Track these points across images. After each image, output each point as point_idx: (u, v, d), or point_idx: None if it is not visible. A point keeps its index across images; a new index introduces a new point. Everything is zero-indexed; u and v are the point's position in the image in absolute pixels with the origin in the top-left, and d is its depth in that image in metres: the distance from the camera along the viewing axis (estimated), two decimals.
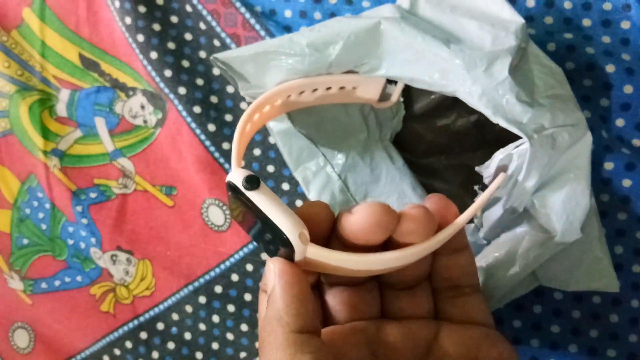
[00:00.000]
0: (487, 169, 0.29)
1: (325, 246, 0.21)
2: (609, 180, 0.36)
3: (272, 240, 0.21)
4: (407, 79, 0.29)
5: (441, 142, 0.38)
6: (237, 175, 0.22)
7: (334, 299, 0.23)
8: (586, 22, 0.36)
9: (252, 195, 0.21)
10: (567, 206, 0.28)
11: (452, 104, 0.37)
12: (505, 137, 0.29)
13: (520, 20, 0.30)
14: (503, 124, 0.27)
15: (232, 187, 0.22)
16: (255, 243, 0.43)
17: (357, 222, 0.20)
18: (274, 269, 0.21)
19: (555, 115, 0.28)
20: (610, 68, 0.36)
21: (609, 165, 0.36)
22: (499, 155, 0.28)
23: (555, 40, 0.36)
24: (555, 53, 0.36)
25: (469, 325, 0.23)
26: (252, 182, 0.21)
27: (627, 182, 0.35)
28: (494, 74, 0.27)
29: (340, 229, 0.21)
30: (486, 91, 0.27)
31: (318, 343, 0.20)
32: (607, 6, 0.36)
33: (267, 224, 0.20)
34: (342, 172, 0.37)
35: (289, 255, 0.21)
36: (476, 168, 0.30)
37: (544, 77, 0.30)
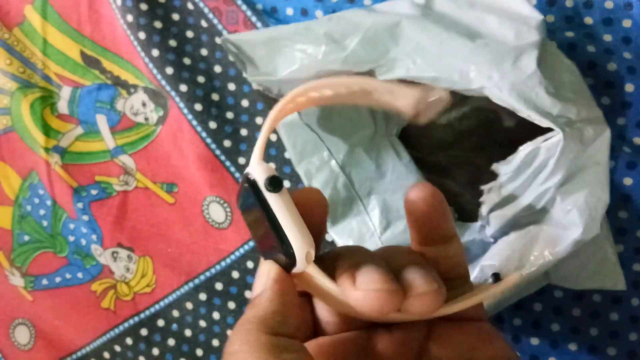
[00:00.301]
0: (508, 165, 0.29)
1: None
2: (610, 180, 0.36)
3: (274, 246, 0.20)
4: (429, 79, 0.29)
5: (447, 139, 0.38)
6: (259, 172, 0.20)
7: (323, 309, 0.22)
8: (588, 21, 0.36)
9: (271, 199, 0.20)
10: (589, 202, 0.28)
11: (459, 101, 0.36)
12: (516, 138, 0.28)
13: (539, 16, 0.29)
14: (535, 117, 0.27)
15: (250, 183, 0.20)
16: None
17: (359, 302, 0.19)
18: (270, 273, 0.20)
19: (580, 109, 0.28)
20: (611, 66, 0.36)
21: (610, 164, 0.36)
22: (526, 149, 0.28)
23: (556, 38, 0.36)
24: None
25: (462, 322, 0.22)
26: (275, 185, 0.20)
27: (628, 181, 0.35)
28: (522, 68, 0.27)
29: (343, 292, 0.20)
30: (515, 85, 0.27)
31: (301, 347, 0.19)
32: (609, 4, 0.36)
33: (277, 231, 0.20)
34: (347, 167, 0.36)
35: (286, 266, 0.20)
36: (494, 165, 0.29)
37: (565, 73, 0.29)
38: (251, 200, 0.20)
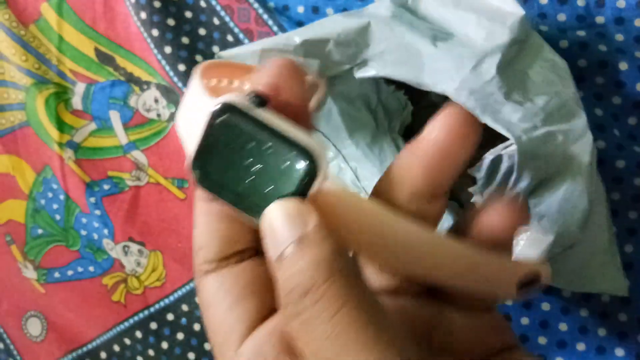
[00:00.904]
0: (478, 172, 0.29)
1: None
2: (620, 179, 0.35)
3: (275, 177, 0.17)
4: (399, 79, 0.29)
5: None
6: (235, 97, 0.17)
7: None
8: (599, 20, 0.36)
9: (263, 114, 0.16)
10: (563, 208, 0.27)
11: None
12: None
13: (519, 12, 0.29)
14: (490, 123, 0.26)
15: (225, 109, 0.17)
16: None
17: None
18: (300, 207, 0.16)
19: (550, 114, 0.27)
20: (623, 66, 0.35)
21: (620, 164, 0.35)
22: (489, 157, 0.28)
23: (567, 37, 0.36)
24: (568, 50, 0.36)
25: (472, 312, 0.20)
26: (261, 100, 0.17)
27: (638, 181, 0.35)
28: (482, 73, 0.27)
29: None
30: (474, 90, 0.27)
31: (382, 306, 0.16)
32: (621, 4, 0.36)
33: (276, 148, 0.16)
34: (352, 164, 0.37)
35: (305, 186, 0.16)
36: (468, 170, 0.29)
37: (544, 72, 0.29)
38: (231, 133, 0.17)
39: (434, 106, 0.38)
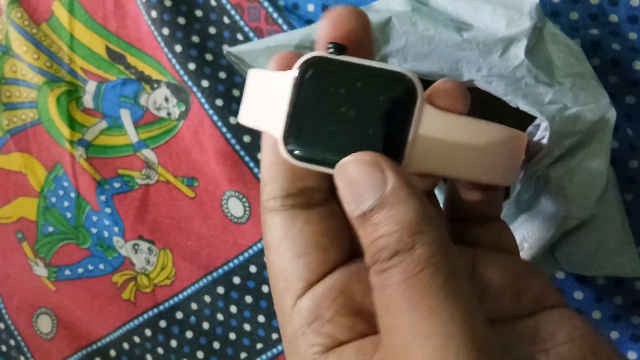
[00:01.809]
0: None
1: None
2: (634, 180, 0.35)
3: (375, 115, 0.17)
4: (422, 74, 0.29)
5: None
6: (315, 52, 0.17)
7: None
8: (613, 18, 0.36)
9: (345, 58, 0.17)
10: (583, 179, 0.28)
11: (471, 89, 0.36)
12: (527, 121, 0.28)
13: (534, 0, 0.29)
14: (524, 107, 0.27)
15: (310, 64, 0.17)
16: None
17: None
18: (378, 161, 0.16)
19: (577, 94, 0.28)
20: (636, 65, 0.35)
21: (633, 164, 0.35)
22: (534, 124, 0.28)
23: (580, 35, 0.36)
24: (581, 49, 0.36)
25: (505, 254, 0.20)
26: (340, 47, 0.17)
27: None
28: (511, 58, 0.27)
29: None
30: (504, 76, 0.27)
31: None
32: (635, 2, 0.35)
33: (371, 83, 0.16)
34: None
35: (405, 122, 0.17)
36: None
37: (563, 56, 0.29)
38: (322, 86, 0.17)
39: None
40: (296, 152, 0.17)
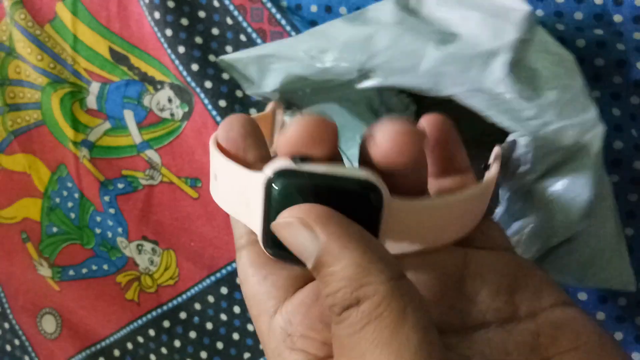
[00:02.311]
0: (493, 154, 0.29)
1: None
2: (638, 180, 0.35)
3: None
4: (405, 87, 0.29)
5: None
6: (281, 162, 0.18)
7: None
8: (617, 18, 0.36)
9: (312, 167, 0.17)
10: (565, 196, 0.27)
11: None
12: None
13: (525, 8, 0.28)
14: (505, 122, 0.26)
15: (278, 175, 0.18)
16: None
17: (380, 144, 0.17)
18: (317, 222, 0.16)
19: (562, 108, 0.27)
20: None
21: (637, 165, 0.35)
22: (508, 140, 0.28)
23: (584, 36, 0.36)
24: (585, 49, 0.36)
25: (498, 251, 0.20)
26: (304, 157, 0.18)
27: None
28: (493, 72, 0.27)
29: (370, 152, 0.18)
30: (485, 91, 0.27)
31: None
32: (639, 2, 0.35)
33: (339, 189, 0.17)
34: (354, 162, 0.36)
35: (375, 215, 0.17)
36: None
37: (551, 67, 0.28)
38: (292, 195, 0.18)
39: (439, 104, 0.38)
40: (276, 253, 0.18)
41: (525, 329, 0.17)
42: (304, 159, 0.18)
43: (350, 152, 0.37)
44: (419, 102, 0.38)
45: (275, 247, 0.18)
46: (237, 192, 0.19)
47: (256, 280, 0.18)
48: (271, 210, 0.18)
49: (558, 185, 0.27)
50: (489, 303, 0.18)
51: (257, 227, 0.18)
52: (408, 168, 0.18)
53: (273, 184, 0.18)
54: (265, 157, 0.20)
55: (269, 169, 0.18)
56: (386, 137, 0.17)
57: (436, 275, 0.18)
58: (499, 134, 0.38)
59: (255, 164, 0.20)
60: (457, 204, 0.19)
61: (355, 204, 0.17)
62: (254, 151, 0.20)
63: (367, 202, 0.17)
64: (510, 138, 0.28)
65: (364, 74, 0.30)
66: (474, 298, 0.18)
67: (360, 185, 0.17)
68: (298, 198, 0.17)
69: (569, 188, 0.27)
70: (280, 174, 0.18)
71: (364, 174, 0.17)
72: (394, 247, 0.18)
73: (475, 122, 0.38)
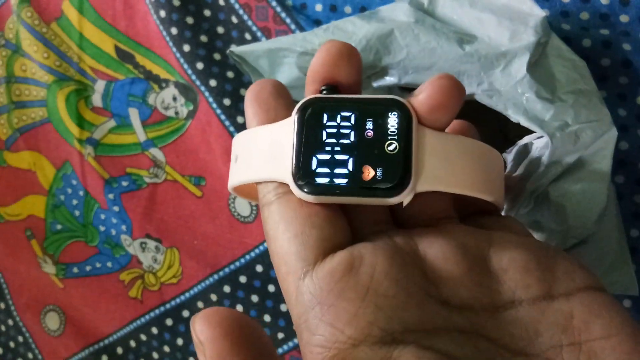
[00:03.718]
0: (509, 154, 0.29)
1: None
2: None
3: (376, 140, 0.18)
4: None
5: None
6: (309, 97, 0.19)
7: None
8: (624, 18, 0.35)
9: (339, 96, 0.19)
10: (582, 199, 0.27)
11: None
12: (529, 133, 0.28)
13: (540, 13, 0.29)
14: (524, 122, 0.27)
15: (308, 104, 0.18)
16: None
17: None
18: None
19: (579, 111, 0.27)
20: None
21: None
22: (521, 142, 0.28)
23: (590, 36, 0.36)
24: (591, 49, 0.36)
25: (521, 236, 0.19)
26: (332, 87, 0.19)
27: None
28: (512, 73, 0.27)
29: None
30: (505, 91, 0.27)
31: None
32: None
33: (368, 112, 0.18)
34: None
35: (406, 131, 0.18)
36: (503, 154, 0.29)
37: (566, 71, 0.29)
38: (321, 123, 0.18)
39: None
40: (307, 188, 0.18)
41: (559, 309, 0.17)
42: (332, 89, 0.19)
43: None
44: None
45: (309, 178, 0.18)
46: (266, 150, 0.19)
47: (286, 239, 0.17)
48: (304, 139, 0.18)
49: (575, 188, 0.27)
50: (518, 279, 0.17)
51: (288, 166, 0.18)
52: (446, 125, 0.19)
53: (305, 113, 0.18)
54: None
55: (299, 104, 0.19)
56: (437, 89, 0.18)
57: (461, 251, 0.18)
58: (503, 142, 0.38)
59: None
60: (481, 148, 0.19)
61: (385, 125, 0.18)
62: (284, 112, 0.20)
63: (397, 121, 0.18)
64: (527, 140, 0.28)
65: (380, 72, 0.30)
66: (502, 275, 0.17)
67: (389, 104, 0.18)
68: (329, 123, 0.18)
69: (586, 191, 0.27)
70: (310, 104, 0.18)
71: (391, 96, 0.18)
72: (426, 180, 0.18)
73: (483, 127, 0.37)
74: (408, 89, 0.32)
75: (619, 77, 0.35)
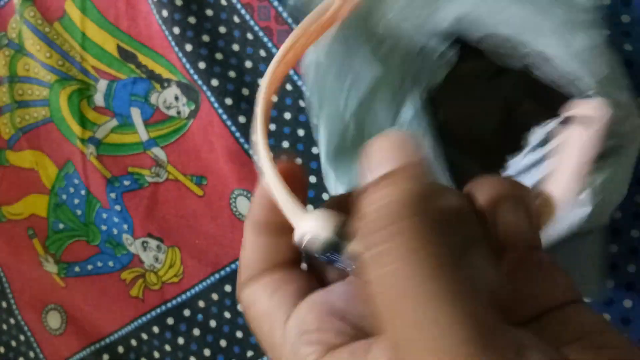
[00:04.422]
0: (533, 134, 0.29)
1: None
2: None
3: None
4: (487, 29, 0.28)
5: (473, 114, 0.37)
6: (319, 224, 0.17)
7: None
8: (625, 18, 0.35)
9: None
10: (608, 186, 0.27)
11: (501, 71, 0.35)
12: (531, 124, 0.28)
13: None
14: (599, 87, 0.26)
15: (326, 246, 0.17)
16: None
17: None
18: (400, 141, 0.15)
19: (626, 100, 0.27)
20: None
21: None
22: (551, 124, 0.28)
23: (632, 39, 0.36)
24: None
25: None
26: (343, 231, 0.17)
27: None
28: (590, 38, 0.26)
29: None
30: (578, 56, 0.26)
31: None
32: None
33: None
34: (363, 120, 0.33)
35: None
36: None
37: (618, 68, 0.29)
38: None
39: (472, 75, 0.36)
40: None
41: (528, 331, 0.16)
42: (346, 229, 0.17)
43: (352, 108, 0.35)
44: (431, 100, 0.36)
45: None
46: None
47: (265, 298, 0.18)
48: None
49: (603, 174, 0.27)
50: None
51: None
52: None
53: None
54: None
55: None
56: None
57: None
58: (507, 123, 0.37)
59: None
60: None
61: None
62: None
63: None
64: (554, 124, 0.27)
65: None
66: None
67: None
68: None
69: (613, 178, 0.27)
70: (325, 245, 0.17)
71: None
72: None
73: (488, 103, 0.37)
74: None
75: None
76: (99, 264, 0.50)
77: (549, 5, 0.27)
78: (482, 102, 0.37)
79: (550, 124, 0.28)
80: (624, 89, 0.29)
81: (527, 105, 0.35)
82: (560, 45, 0.27)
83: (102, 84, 0.49)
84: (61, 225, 0.51)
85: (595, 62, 0.27)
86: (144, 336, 0.48)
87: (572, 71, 0.27)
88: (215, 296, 0.46)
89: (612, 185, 0.27)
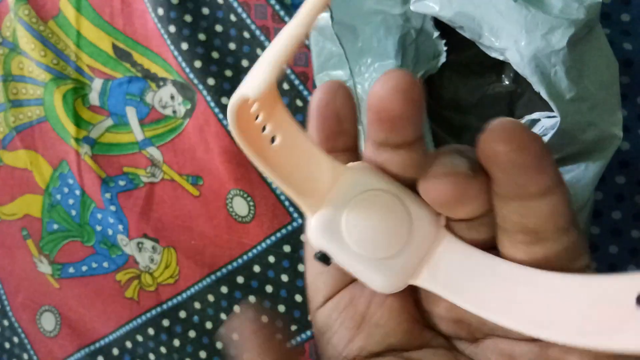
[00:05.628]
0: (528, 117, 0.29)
1: None
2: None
3: None
4: (458, 25, 0.28)
5: (469, 101, 0.36)
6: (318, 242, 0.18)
7: None
8: (625, 17, 0.35)
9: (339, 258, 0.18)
10: (571, 187, 0.27)
11: (495, 64, 0.35)
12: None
13: None
14: (544, 95, 0.26)
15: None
16: (276, 236, 0.43)
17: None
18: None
19: (596, 104, 0.27)
20: None
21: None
22: (528, 117, 0.28)
23: (632, 38, 0.35)
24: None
25: None
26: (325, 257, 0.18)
27: None
28: (552, 41, 0.26)
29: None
30: (538, 56, 0.26)
31: None
32: None
33: None
34: (363, 94, 0.34)
35: None
36: None
37: (599, 65, 0.28)
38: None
39: (463, 65, 0.36)
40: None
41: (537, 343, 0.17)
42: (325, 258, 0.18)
43: (359, 80, 0.34)
44: (448, 54, 0.36)
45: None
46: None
47: (314, 273, 0.20)
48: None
49: (566, 173, 0.27)
50: (437, 326, 0.19)
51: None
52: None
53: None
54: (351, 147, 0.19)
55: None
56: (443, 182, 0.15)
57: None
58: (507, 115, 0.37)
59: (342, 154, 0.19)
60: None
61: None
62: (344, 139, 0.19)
63: None
64: (536, 115, 0.27)
65: None
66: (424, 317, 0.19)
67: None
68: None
69: (572, 187, 0.27)
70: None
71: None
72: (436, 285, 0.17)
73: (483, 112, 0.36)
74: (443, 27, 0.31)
75: (620, 76, 0.35)
76: (94, 265, 0.49)
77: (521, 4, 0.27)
78: (483, 92, 0.36)
79: (534, 115, 0.28)
80: (614, 110, 0.28)
81: (530, 96, 0.35)
82: (514, 49, 0.27)
83: (97, 83, 0.48)
84: (55, 226, 0.50)
85: (546, 70, 0.26)
86: (139, 338, 0.48)
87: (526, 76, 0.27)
88: (211, 297, 0.45)
89: (576, 190, 0.27)
